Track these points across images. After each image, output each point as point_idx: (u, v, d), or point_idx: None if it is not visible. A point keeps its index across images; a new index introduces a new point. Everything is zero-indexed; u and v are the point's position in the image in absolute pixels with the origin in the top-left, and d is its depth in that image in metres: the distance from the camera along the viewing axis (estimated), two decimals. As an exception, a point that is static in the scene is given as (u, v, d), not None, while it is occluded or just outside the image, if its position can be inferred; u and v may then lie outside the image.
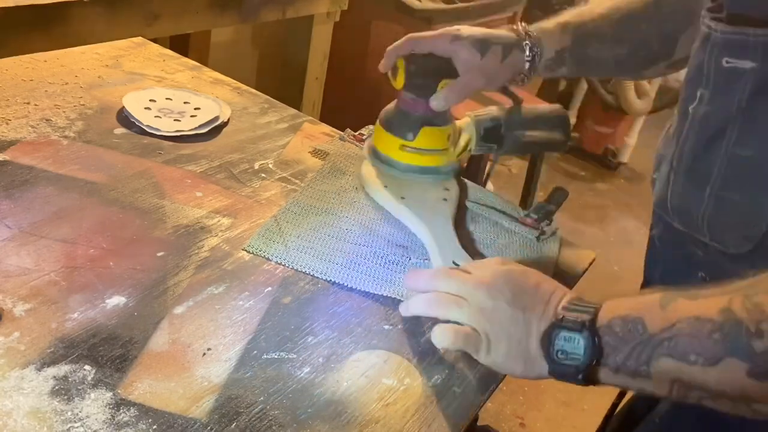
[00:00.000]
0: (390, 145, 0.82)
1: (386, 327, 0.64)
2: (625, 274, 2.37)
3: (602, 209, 2.97)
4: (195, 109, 0.94)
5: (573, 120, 3.15)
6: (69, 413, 0.49)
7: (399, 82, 0.79)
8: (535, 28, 0.79)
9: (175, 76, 1.05)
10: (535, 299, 0.56)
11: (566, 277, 0.78)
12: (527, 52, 0.78)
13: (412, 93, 0.79)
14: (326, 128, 1.00)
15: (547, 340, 0.53)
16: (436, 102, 0.77)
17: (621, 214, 2.96)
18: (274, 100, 1.05)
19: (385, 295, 0.68)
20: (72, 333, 0.56)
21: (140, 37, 1.16)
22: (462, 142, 0.84)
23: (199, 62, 1.12)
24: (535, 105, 0.88)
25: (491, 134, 0.84)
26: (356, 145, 0.95)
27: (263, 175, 0.85)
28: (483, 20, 2.64)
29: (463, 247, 0.74)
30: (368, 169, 0.85)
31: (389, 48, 0.78)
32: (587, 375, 0.51)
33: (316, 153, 0.92)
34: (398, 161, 0.82)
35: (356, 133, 0.97)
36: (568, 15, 0.80)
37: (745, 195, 0.59)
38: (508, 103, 0.86)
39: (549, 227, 0.83)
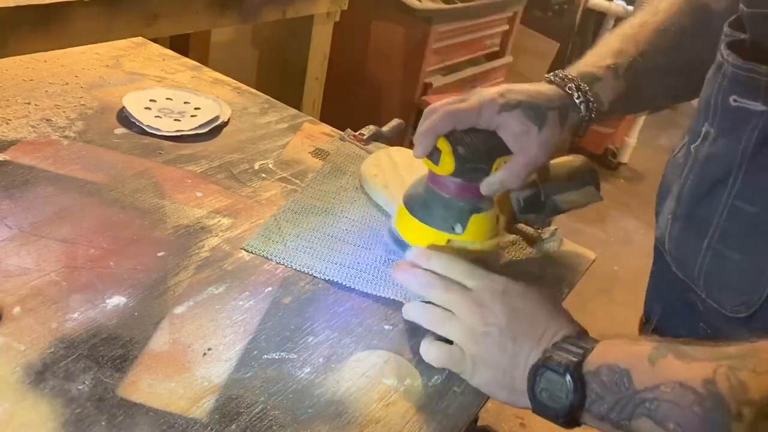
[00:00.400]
0: (431, 241, 0.68)
1: (386, 327, 0.64)
2: (625, 274, 2.37)
3: (602, 209, 2.97)
4: (195, 109, 0.94)
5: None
6: (69, 413, 0.49)
7: (445, 167, 0.65)
8: (582, 77, 0.67)
9: (175, 76, 1.05)
10: (529, 330, 0.54)
11: (566, 277, 0.78)
12: (583, 111, 0.67)
13: (462, 179, 0.66)
14: (326, 128, 1.00)
15: (532, 378, 0.52)
16: (488, 187, 0.65)
17: (621, 214, 2.96)
18: (274, 100, 1.05)
19: (383, 296, 0.68)
20: (72, 333, 0.56)
21: (140, 37, 1.16)
22: (503, 221, 0.73)
23: (199, 62, 1.12)
24: (562, 163, 0.77)
25: (531, 204, 0.73)
26: (356, 145, 0.95)
27: (263, 175, 0.85)
28: (483, 20, 2.64)
29: None
30: (368, 169, 0.85)
31: (423, 129, 0.64)
32: (569, 418, 0.50)
33: (316, 153, 0.92)
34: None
35: (356, 133, 0.97)
36: (612, 53, 0.69)
37: (744, 255, 0.54)
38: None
39: (549, 227, 0.83)
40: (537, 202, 0.73)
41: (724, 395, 0.43)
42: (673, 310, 0.67)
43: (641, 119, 3.21)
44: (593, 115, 0.67)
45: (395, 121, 1.03)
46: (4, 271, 0.60)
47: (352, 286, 0.68)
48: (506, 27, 2.83)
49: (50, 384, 0.51)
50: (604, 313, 2.16)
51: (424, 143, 0.64)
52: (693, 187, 0.58)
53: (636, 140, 3.28)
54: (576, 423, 0.51)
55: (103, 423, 0.49)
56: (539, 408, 0.52)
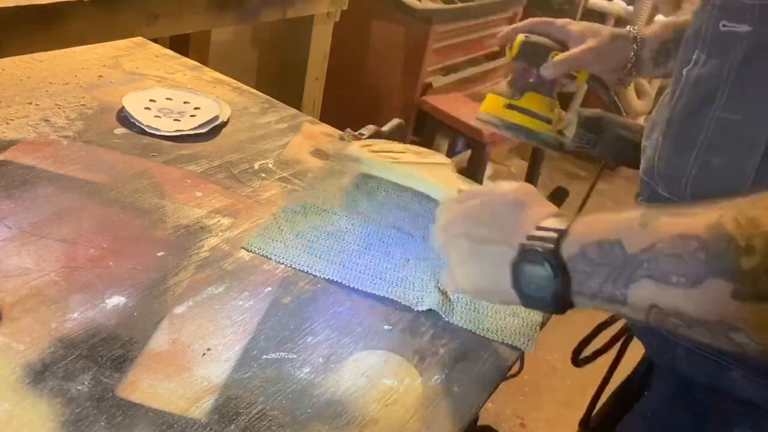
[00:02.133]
0: (497, 105, 0.85)
1: (386, 327, 0.64)
2: (625, 274, 2.37)
3: (602, 209, 2.96)
4: (195, 109, 0.94)
5: (573, 120, 3.15)
6: (69, 413, 0.49)
7: (513, 52, 0.84)
8: (639, 27, 0.84)
9: (175, 76, 1.05)
10: (497, 231, 0.55)
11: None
12: (630, 41, 0.82)
13: (523, 61, 0.83)
14: (326, 128, 1.00)
15: (514, 274, 0.52)
16: (546, 70, 0.82)
17: (621, 214, 2.95)
18: (274, 100, 1.05)
19: (381, 296, 0.68)
20: (72, 333, 0.56)
21: (140, 37, 1.16)
22: (564, 121, 0.87)
23: (199, 62, 1.12)
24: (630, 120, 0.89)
25: (591, 124, 0.85)
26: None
27: (263, 175, 0.85)
28: (483, 20, 2.64)
29: None
30: (357, 148, 0.85)
31: (509, 27, 0.86)
32: (559, 305, 0.50)
33: (316, 153, 0.92)
34: (504, 118, 0.85)
35: (356, 133, 0.97)
36: (673, 17, 0.85)
37: (728, 159, 0.59)
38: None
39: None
40: (598, 125, 0.85)
41: (733, 233, 0.41)
42: None
43: (641, 119, 3.21)
44: (640, 47, 0.82)
45: (395, 121, 1.03)
46: (4, 271, 0.60)
47: (352, 286, 0.68)
48: (506, 27, 2.82)
49: (50, 384, 0.51)
50: (603, 313, 2.15)
51: (505, 34, 0.87)
52: (683, 107, 0.63)
53: (636, 140, 3.28)
54: (568, 307, 0.50)
55: (102, 423, 0.49)
56: (527, 301, 0.52)
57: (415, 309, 0.67)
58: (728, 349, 0.43)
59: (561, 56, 0.82)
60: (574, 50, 0.83)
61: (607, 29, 0.84)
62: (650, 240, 0.45)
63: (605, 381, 0.83)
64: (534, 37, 0.84)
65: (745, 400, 0.58)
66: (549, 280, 0.49)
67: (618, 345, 0.81)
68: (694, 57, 0.63)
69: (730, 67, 0.59)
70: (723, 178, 0.59)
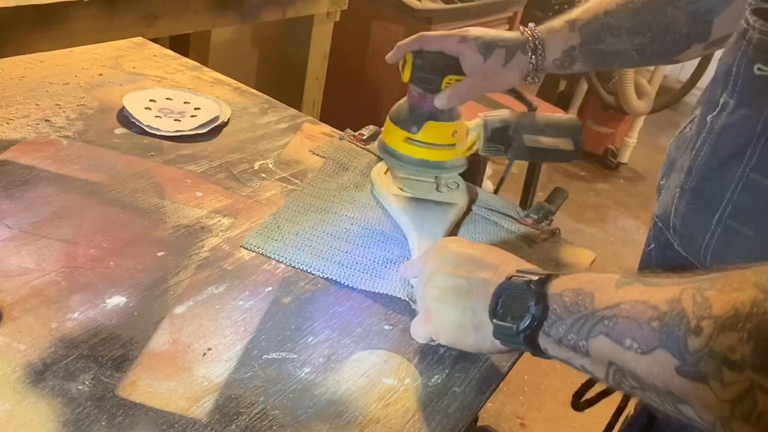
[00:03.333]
0: (396, 138, 0.82)
1: (386, 327, 0.64)
2: (625, 274, 2.37)
3: (602, 209, 2.97)
4: (195, 109, 0.94)
5: (573, 120, 3.15)
6: (69, 413, 0.49)
7: (406, 75, 0.79)
8: (542, 28, 0.78)
9: (175, 76, 1.05)
10: (481, 267, 0.55)
11: (566, 277, 0.78)
12: (529, 54, 0.76)
13: (418, 87, 0.80)
14: (326, 128, 1.00)
15: (493, 301, 0.52)
16: (439, 101, 0.78)
17: (621, 214, 2.96)
18: (274, 100, 1.05)
19: (381, 293, 0.68)
20: (72, 333, 0.56)
21: (140, 37, 1.16)
22: (469, 140, 0.84)
23: (199, 62, 1.12)
24: (551, 114, 0.87)
25: (499, 136, 0.83)
26: (356, 145, 0.95)
27: (263, 175, 0.85)
28: (483, 20, 2.64)
29: None
30: (379, 175, 0.86)
31: (400, 42, 0.78)
32: (529, 339, 0.49)
33: (316, 153, 0.92)
34: (403, 153, 0.82)
35: (356, 133, 0.97)
36: (578, 12, 0.77)
37: (757, 230, 0.52)
38: (523, 109, 0.86)
39: (548, 227, 0.83)
40: (505, 136, 0.83)
41: (687, 310, 0.41)
42: None
43: (641, 119, 3.21)
44: (540, 60, 0.76)
45: (395, 121, 1.03)
46: (4, 271, 0.60)
47: (352, 285, 0.68)
48: (506, 27, 2.83)
49: (50, 384, 0.51)
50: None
51: (395, 53, 0.78)
52: (706, 159, 0.55)
53: (636, 140, 3.28)
54: (535, 346, 0.50)
55: (103, 423, 0.49)
56: (500, 331, 0.51)
57: (414, 308, 0.67)
58: (683, 420, 0.42)
59: (454, 88, 0.77)
60: (468, 80, 0.77)
61: (503, 43, 0.76)
62: (617, 299, 0.45)
63: (610, 426, 0.79)
64: (426, 57, 0.77)
65: None
66: (528, 306, 0.49)
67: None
68: (721, 102, 0.54)
69: (765, 121, 0.50)
70: (750, 252, 0.52)
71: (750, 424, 0.37)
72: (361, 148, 0.95)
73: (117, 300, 0.60)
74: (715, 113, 0.55)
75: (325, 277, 0.69)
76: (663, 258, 0.65)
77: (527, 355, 0.67)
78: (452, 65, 0.77)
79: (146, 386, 0.52)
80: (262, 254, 0.70)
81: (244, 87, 1.07)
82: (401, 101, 0.84)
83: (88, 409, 0.50)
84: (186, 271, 0.65)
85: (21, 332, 0.55)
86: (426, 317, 0.58)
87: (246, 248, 0.70)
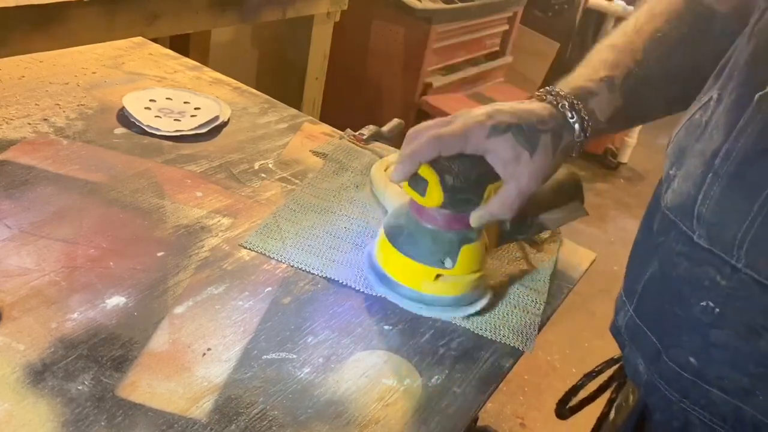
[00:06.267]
0: (418, 277, 0.64)
1: (386, 327, 0.64)
2: (625, 274, 2.37)
3: (602, 209, 2.97)
4: (195, 109, 0.94)
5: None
6: (69, 413, 0.49)
7: (433, 198, 0.60)
8: (574, 92, 0.63)
9: (175, 76, 1.05)
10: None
11: (566, 277, 0.78)
12: (578, 131, 0.62)
13: (451, 210, 0.62)
14: (326, 128, 1.00)
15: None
16: (479, 220, 0.62)
17: (621, 214, 2.96)
18: (274, 100, 1.05)
19: (381, 295, 0.68)
20: (72, 333, 0.56)
21: (140, 37, 1.16)
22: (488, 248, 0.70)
23: (199, 62, 1.12)
24: (550, 180, 0.75)
25: (518, 226, 0.71)
26: (357, 145, 0.95)
27: (263, 175, 0.85)
28: (483, 20, 2.64)
29: None
30: (378, 173, 0.85)
31: (407, 152, 0.59)
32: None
33: (316, 153, 0.92)
34: (437, 295, 0.65)
35: (356, 133, 0.97)
36: (606, 65, 0.64)
37: None
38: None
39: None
40: (523, 225, 0.70)
41: None
42: (672, 289, 0.57)
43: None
44: (588, 135, 0.63)
45: (395, 121, 1.03)
46: (4, 271, 0.60)
47: (351, 285, 0.68)
48: (506, 27, 2.83)
49: (50, 384, 0.51)
50: (603, 313, 2.16)
51: (405, 168, 0.59)
52: (751, 141, 0.49)
53: (636, 140, 3.28)
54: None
55: (102, 423, 0.49)
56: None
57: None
58: None
59: (501, 199, 0.61)
60: (513, 186, 0.60)
61: (545, 126, 0.61)
62: None
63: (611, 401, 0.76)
64: (455, 170, 0.59)
65: None
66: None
67: (606, 395, 0.76)
68: None
69: None
70: None
71: None
72: (361, 147, 0.95)
73: (117, 300, 0.60)
74: (765, 91, 0.49)
75: (325, 276, 0.69)
76: (679, 251, 0.56)
77: (527, 355, 0.67)
78: (488, 170, 0.60)
79: (146, 386, 0.52)
80: (262, 254, 0.70)
81: (244, 87, 1.07)
82: (398, 221, 0.66)
83: (87, 409, 0.50)
84: (186, 271, 0.65)
85: (20, 332, 0.55)
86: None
87: (246, 248, 0.70)
